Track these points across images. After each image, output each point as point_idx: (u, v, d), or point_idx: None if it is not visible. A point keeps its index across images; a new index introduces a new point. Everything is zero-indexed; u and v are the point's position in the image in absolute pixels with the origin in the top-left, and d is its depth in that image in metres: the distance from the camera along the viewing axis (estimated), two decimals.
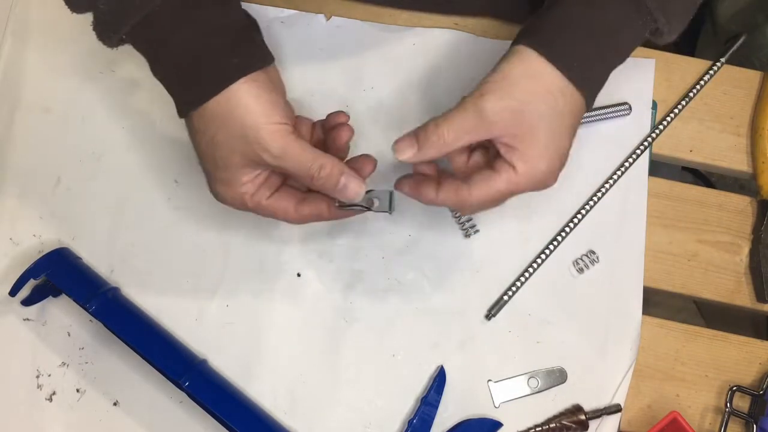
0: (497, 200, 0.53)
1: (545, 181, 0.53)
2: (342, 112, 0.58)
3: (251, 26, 0.56)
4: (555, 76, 0.52)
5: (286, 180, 0.57)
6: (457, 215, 0.66)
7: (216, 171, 0.54)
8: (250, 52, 0.53)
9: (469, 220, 0.66)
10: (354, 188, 0.54)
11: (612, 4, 0.52)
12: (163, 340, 0.62)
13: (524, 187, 0.53)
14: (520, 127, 0.51)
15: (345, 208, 0.57)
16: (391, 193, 0.58)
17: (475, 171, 0.53)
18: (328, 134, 0.57)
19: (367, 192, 0.57)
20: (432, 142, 0.52)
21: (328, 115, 0.58)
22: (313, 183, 0.53)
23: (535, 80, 0.51)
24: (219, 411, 0.58)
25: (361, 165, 0.56)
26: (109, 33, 0.53)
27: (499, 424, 0.62)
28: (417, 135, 0.53)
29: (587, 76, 0.53)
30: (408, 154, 0.53)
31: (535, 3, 0.66)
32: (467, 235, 0.66)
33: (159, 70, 0.54)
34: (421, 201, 0.55)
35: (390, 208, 0.58)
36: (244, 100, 0.51)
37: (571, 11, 0.53)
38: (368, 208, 0.58)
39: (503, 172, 0.52)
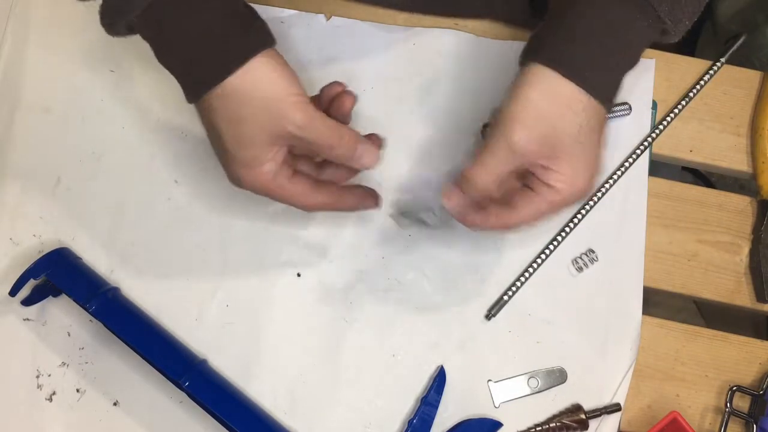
0: (540, 220, 0.54)
1: (584, 193, 0.54)
2: (337, 82, 0.58)
3: (253, 10, 0.57)
4: (574, 91, 0.52)
5: (297, 164, 0.57)
6: None
7: (239, 150, 0.53)
8: (263, 30, 0.54)
9: None
10: (370, 156, 0.56)
11: (616, 8, 0.52)
12: (163, 340, 0.62)
13: (566, 203, 0.54)
14: (553, 149, 0.52)
15: (404, 225, 0.58)
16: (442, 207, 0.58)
17: (515, 193, 0.54)
18: (330, 105, 0.57)
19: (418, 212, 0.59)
20: (473, 188, 0.54)
21: (324, 88, 0.58)
22: (333, 153, 0.54)
23: (556, 100, 0.52)
24: (219, 411, 0.58)
25: (372, 140, 0.59)
26: (117, 17, 0.52)
27: (499, 424, 0.62)
28: (459, 185, 0.55)
29: (602, 84, 0.53)
30: (454, 202, 0.56)
31: (535, 6, 0.66)
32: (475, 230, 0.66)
33: (169, 55, 0.53)
34: (466, 226, 0.56)
35: (441, 223, 0.59)
36: (266, 74, 0.52)
37: (578, 21, 0.52)
38: (426, 223, 0.60)
39: (544, 193, 0.53)
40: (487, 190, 0.54)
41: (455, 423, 0.62)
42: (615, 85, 0.55)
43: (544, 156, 0.52)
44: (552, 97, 0.52)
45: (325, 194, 0.57)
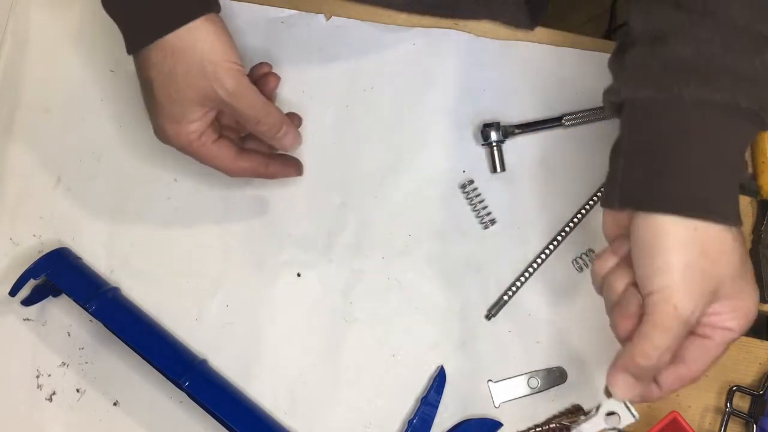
0: (717, 360, 0.49)
1: (754, 317, 0.49)
2: (266, 62, 0.63)
3: None
4: (717, 231, 0.47)
5: (223, 130, 0.59)
6: (476, 209, 0.66)
7: (169, 105, 0.55)
8: None
9: (489, 213, 0.66)
10: (292, 138, 0.59)
11: (724, 132, 0.47)
12: (163, 340, 0.62)
13: (740, 335, 0.49)
14: (717, 295, 0.47)
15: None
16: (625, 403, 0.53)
17: (684, 347, 0.48)
18: (256, 84, 0.58)
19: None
20: (645, 368, 0.48)
21: (252, 67, 0.62)
22: (258, 127, 0.57)
23: (706, 250, 0.47)
24: (219, 411, 0.58)
25: (293, 119, 0.62)
26: None
27: (499, 424, 0.62)
28: (631, 372, 0.48)
29: (724, 206, 0.48)
30: (632, 394, 0.49)
31: (533, 10, 0.66)
32: (486, 227, 0.66)
33: (115, 3, 0.54)
34: (648, 401, 0.52)
35: (634, 416, 0.54)
36: (206, 36, 0.54)
37: (688, 153, 0.47)
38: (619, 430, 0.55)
39: (718, 337, 0.48)
40: (660, 366, 0.48)
41: (455, 423, 0.62)
42: (735, 199, 0.49)
43: (710, 305, 0.48)
44: (701, 248, 0.47)
45: (247, 160, 0.59)
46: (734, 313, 0.48)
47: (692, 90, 0.47)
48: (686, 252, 0.46)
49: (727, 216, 0.47)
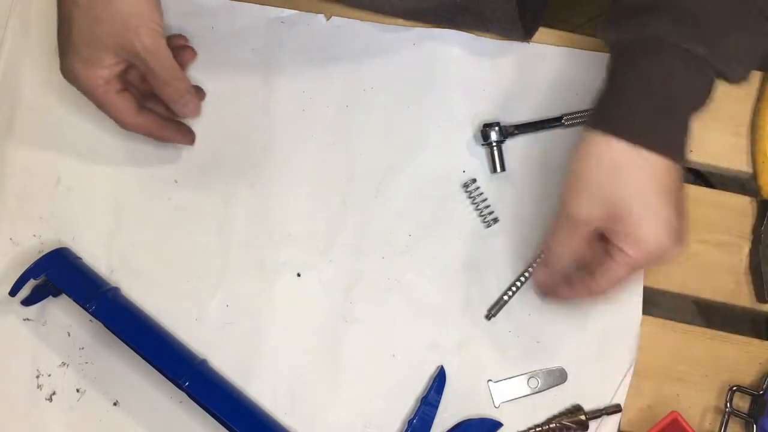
0: (624, 281, 0.54)
1: (663, 252, 0.52)
2: (182, 35, 0.67)
3: None
4: (625, 149, 0.51)
5: (127, 86, 0.61)
6: (478, 207, 0.66)
7: (84, 47, 0.57)
8: None
9: (491, 213, 0.66)
10: (193, 107, 0.62)
11: (649, 63, 0.52)
12: (163, 340, 0.62)
13: (643, 263, 0.53)
14: (614, 211, 0.52)
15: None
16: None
17: (596, 261, 0.54)
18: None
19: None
20: (551, 260, 0.57)
21: (169, 36, 0.65)
22: (164, 89, 0.59)
23: (605, 162, 0.52)
24: (219, 411, 0.58)
25: (196, 91, 0.64)
26: None
27: (499, 424, 0.62)
28: (544, 261, 0.59)
29: (654, 135, 0.52)
30: (542, 278, 0.59)
31: (526, 25, 0.66)
32: (488, 227, 0.66)
33: None
34: (557, 299, 0.59)
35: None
36: None
37: (615, 81, 0.54)
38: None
39: (618, 258, 0.52)
40: (564, 260, 0.56)
41: (455, 423, 0.62)
42: (673, 136, 0.53)
43: (608, 219, 0.52)
44: (600, 160, 0.52)
45: (145, 118, 0.61)
46: (630, 237, 0.51)
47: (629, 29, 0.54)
48: (582, 161, 0.53)
49: (638, 136, 0.51)
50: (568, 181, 0.54)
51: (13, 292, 0.60)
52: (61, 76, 0.67)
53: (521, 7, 0.64)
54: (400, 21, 0.69)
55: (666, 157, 0.51)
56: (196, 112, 0.63)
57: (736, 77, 0.53)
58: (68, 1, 0.57)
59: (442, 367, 0.63)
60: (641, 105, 0.52)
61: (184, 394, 0.61)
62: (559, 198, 0.55)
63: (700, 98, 0.54)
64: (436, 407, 0.62)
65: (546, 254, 0.58)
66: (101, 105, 0.60)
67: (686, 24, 0.51)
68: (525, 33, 0.67)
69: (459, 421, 0.62)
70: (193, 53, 0.66)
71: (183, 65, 0.65)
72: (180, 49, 0.65)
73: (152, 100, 0.63)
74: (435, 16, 0.67)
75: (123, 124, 0.61)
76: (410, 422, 0.61)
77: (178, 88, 0.60)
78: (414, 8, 0.67)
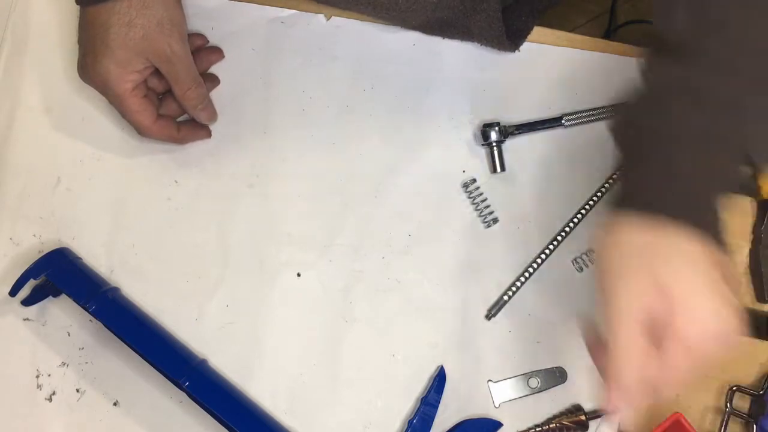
0: (683, 372, 0.47)
1: (714, 335, 0.46)
2: (201, 35, 0.67)
3: None
4: (657, 236, 0.47)
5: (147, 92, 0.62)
6: (478, 208, 0.66)
7: (120, 50, 0.58)
8: None
9: (491, 213, 0.66)
10: (210, 113, 0.64)
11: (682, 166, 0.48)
12: (163, 340, 0.62)
13: (699, 349, 0.46)
14: (668, 300, 0.46)
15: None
16: None
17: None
18: (195, 55, 0.63)
19: None
20: (623, 390, 0.48)
21: (190, 35, 0.64)
22: (185, 93, 0.61)
23: (641, 248, 0.47)
24: (219, 411, 0.58)
25: (211, 80, 0.67)
26: None
27: (499, 424, 0.62)
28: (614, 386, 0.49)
29: (692, 217, 0.47)
30: (616, 406, 0.49)
31: (511, 37, 0.65)
32: (488, 227, 0.66)
33: None
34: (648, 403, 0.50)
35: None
36: (172, 0, 0.60)
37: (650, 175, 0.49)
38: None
39: (670, 347, 0.46)
40: (634, 382, 0.47)
41: (455, 423, 0.62)
42: (709, 216, 0.48)
43: (662, 310, 0.46)
44: (636, 247, 0.47)
45: (164, 122, 0.63)
46: (682, 318, 0.46)
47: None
48: (618, 248, 0.48)
49: (661, 212, 0.47)
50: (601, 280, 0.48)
51: (13, 292, 0.60)
52: (61, 76, 0.68)
53: (508, 23, 0.64)
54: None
55: (717, 240, 0.47)
56: (214, 117, 0.65)
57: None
58: (106, 6, 0.57)
59: (442, 367, 0.63)
60: (675, 190, 0.48)
61: (184, 394, 0.61)
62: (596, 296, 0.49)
63: (729, 180, 0.50)
64: (436, 407, 0.62)
65: (614, 388, 0.48)
66: (127, 108, 0.61)
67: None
68: (512, 46, 0.66)
69: (459, 421, 0.62)
70: (220, 53, 0.67)
71: (210, 64, 0.67)
72: (202, 49, 0.67)
73: (168, 102, 0.64)
74: (423, 30, 0.68)
75: (144, 129, 0.62)
76: (410, 422, 0.61)
77: (199, 94, 0.62)
78: (401, 24, 0.67)
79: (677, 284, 0.46)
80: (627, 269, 0.48)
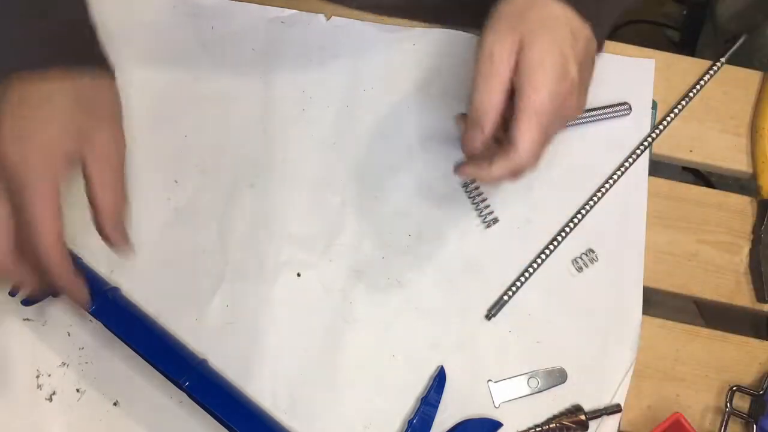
0: (541, 139, 0.52)
1: (557, 105, 0.52)
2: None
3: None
4: (557, 6, 0.52)
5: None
6: (478, 208, 0.66)
7: (67, 135, 0.51)
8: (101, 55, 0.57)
9: (491, 213, 0.66)
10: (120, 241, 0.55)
11: None
12: (163, 340, 0.62)
13: (545, 111, 0.52)
14: (521, 39, 0.52)
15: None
16: None
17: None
18: None
19: None
20: (475, 120, 0.53)
21: None
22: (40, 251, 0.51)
23: (536, 9, 0.52)
24: (219, 411, 0.58)
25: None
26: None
27: (499, 424, 0.62)
28: (466, 144, 0.55)
29: (592, 10, 0.54)
30: (475, 142, 0.54)
31: (480, 23, 0.66)
32: (488, 227, 0.66)
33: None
34: (483, 179, 0.57)
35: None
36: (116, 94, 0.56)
37: None
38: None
39: (521, 110, 0.51)
40: (489, 115, 0.53)
41: (455, 423, 0.62)
42: (605, 18, 0.55)
43: (519, 49, 0.52)
44: (531, 6, 0.53)
45: (27, 273, 0.53)
46: (531, 82, 0.51)
47: None
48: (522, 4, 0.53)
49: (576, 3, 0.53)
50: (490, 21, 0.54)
51: (14, 292, 0.60)
52: None
53: None
54: (399, 20, 0.69)
55: (596, 35, 0.54)
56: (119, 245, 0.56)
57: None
58: (36, 91, 0.52)
59: (441, 367, 0.63)
60: None
61: (184, 394, 0.61)
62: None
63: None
64: (436, 407, 0.62)
65: (470, 114, 0.54)
66: (34, 206, 0.50)
67: None
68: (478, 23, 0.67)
69: (459, 421, 0.62)
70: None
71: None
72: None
73: None
74: (435, 13, 0.67)
75: (41, 234, 0.51)
76: (410, 422, 0.61)
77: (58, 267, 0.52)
78: (414, 4, 0.67)
79: (533, 46, 0.51)
80: (499, 26, 0.53)
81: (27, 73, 0.51)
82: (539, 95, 0.51)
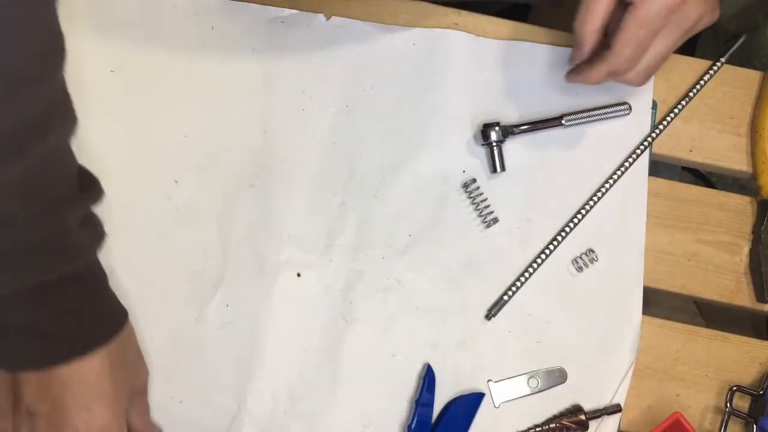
0: (642, 41, 0.56)
1: (664, 16, 0.55)
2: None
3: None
4: None
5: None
6: (478, 207, 0.66)
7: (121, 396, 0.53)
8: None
9: (491, 213, 0.66)
10: None
11: None
12: None
13: (647, 22, 0.55)
14: None
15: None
16: None
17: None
18: None
19: None
20: (582, 37, 0.58)
21: None
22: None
23: None
24: None
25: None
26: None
27: (481, 395, 0.62)
28: (573, 59, 0.62)
29: None
30: (576, 61, 0.61)
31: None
32: (488, 227, 0.66)
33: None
34: (584, 82, 0.62)
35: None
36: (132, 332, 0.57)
37: None
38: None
39: (625, 19, 0.55)
40: (594, 31, 0.57)
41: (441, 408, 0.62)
42: None
43: None
44: None
45: None
46: None
47: None
48: None
49: None
50: None
51: None
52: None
53: None
54: (401, 20, 0.69)
55: None
56: None
57: None
58: (106, 363, 0.53)
59: (428, 365, 0.63)
60: None
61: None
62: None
63: None
64: (432, 406, 0.62)
65: (576, 32, 0.59)
66: None
67: None
68: None
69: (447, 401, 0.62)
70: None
71: None
72: None
73: None
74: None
75: None
76: (408, 427, 0.61)
77: None
78: None
79: None
80: None
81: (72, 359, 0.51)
82: (644, 6, 0.54)
